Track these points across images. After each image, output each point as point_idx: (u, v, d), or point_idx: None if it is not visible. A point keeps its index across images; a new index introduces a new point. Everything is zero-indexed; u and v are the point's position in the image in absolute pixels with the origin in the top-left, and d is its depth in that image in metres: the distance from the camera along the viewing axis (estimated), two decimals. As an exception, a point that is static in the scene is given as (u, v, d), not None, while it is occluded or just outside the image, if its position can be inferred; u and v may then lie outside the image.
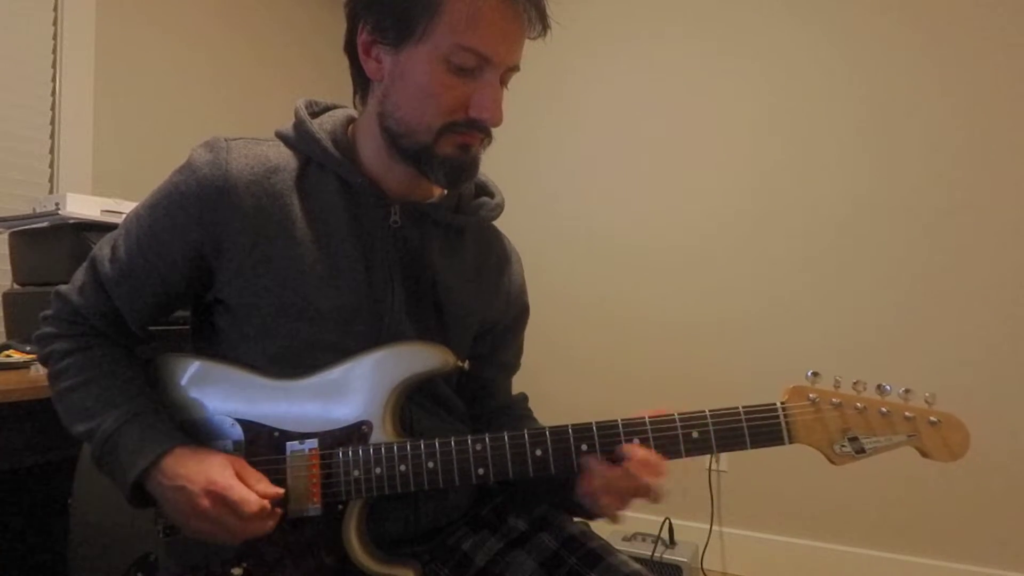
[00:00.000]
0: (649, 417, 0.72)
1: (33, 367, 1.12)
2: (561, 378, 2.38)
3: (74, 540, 0.81)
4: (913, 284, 1.91)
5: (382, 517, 0.77)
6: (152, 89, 1.98)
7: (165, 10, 2.01)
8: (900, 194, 1.93)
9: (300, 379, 0.76)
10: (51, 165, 1.74)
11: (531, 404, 0.98)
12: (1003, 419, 1.78)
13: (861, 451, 0.70)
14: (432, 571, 0.81)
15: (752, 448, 0.71)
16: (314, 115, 0.83)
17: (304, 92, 0.98)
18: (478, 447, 0.73)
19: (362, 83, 0.80)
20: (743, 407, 0.72)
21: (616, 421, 0.73)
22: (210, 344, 0.82)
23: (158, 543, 0.76)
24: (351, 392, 0.75)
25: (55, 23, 1.75)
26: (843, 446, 0.71)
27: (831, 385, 0.72)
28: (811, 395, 0.72)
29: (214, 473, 0.69)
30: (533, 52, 0.77)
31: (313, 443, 0.74)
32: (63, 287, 0.81)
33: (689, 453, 0.72)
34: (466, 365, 0.83)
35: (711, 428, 0.71)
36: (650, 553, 1.91)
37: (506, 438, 0.73)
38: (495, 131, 0.77)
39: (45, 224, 1.31)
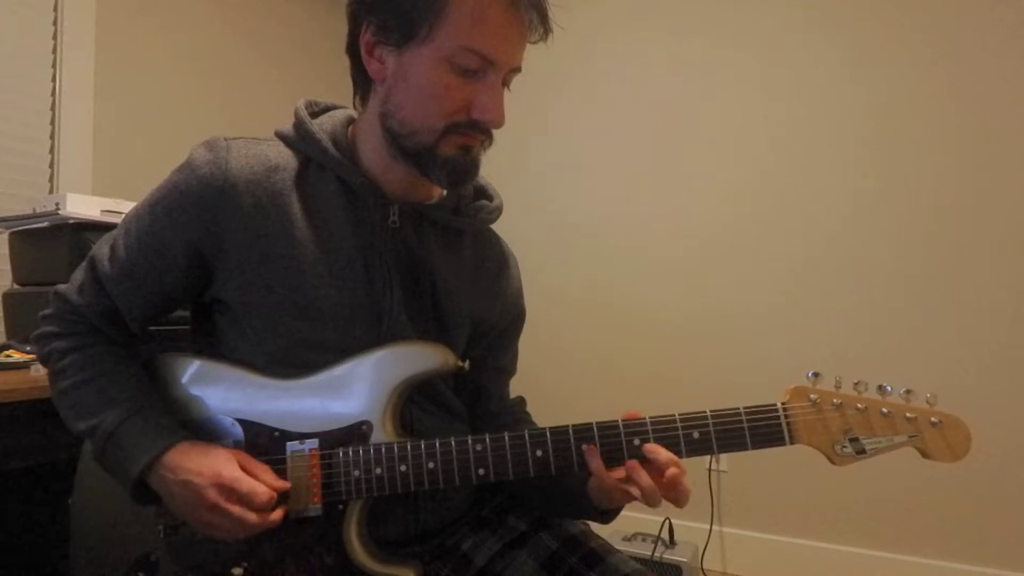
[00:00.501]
0: (650, 418, 0.72)
1: (33, 367, 1.12)
2: (560, 379, 2.38)
3: (75, 540, 0.81)
4: (914, 284, 1.91)
5: (382, 517, 0.77)
6: (152, 89, 1.98)
7: (165, 10, 2.01)
8: (901, 194, 1.93)
9: (300, 379, 0.76)
10: (51, 165, 1.74)
11: (530, 405, 0.98)
12: (1004, 419, 1.78)
13: (862, 452, 0.70)
14: (432, 571, 0.81)
15: (753, 449, 0.71)
16: (314, 115, 0.83)
17: (304, 92, 0.98)
18: (478, 447, 0.73)
19: (363, 83, 0.80)
20: (744, 407, 0.72)
21: (617, 421, 0.73)
22: (209, 344, 0.82)
23: (159, 543, 0.76)
24: (351, 392, 0.75)
25: (55, 23, 1.75)
26: (844, 447, 0.70)
27: (832, 386, 0.72)
28: (812, 395, 0.72)
29: (220, 466, 0.69)
30: (531, 52, 0.77)
31: (313, 443, 0.74)
32: (62, 286, 0.81)
33: (690, 454, 0.72)
34: (466, 365, 0.83)
35: (712, 429, 0.71)
36: (650, 553, 1.91)
37: (507, 438, 0.73)
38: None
39: (45, 224, 1.31)
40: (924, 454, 0.71)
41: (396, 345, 0.77)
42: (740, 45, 2.15)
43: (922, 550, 1.88)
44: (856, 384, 0.71)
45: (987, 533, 1.81)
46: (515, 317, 0.95)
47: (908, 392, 0.70)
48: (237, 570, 0.73)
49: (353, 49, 0.78)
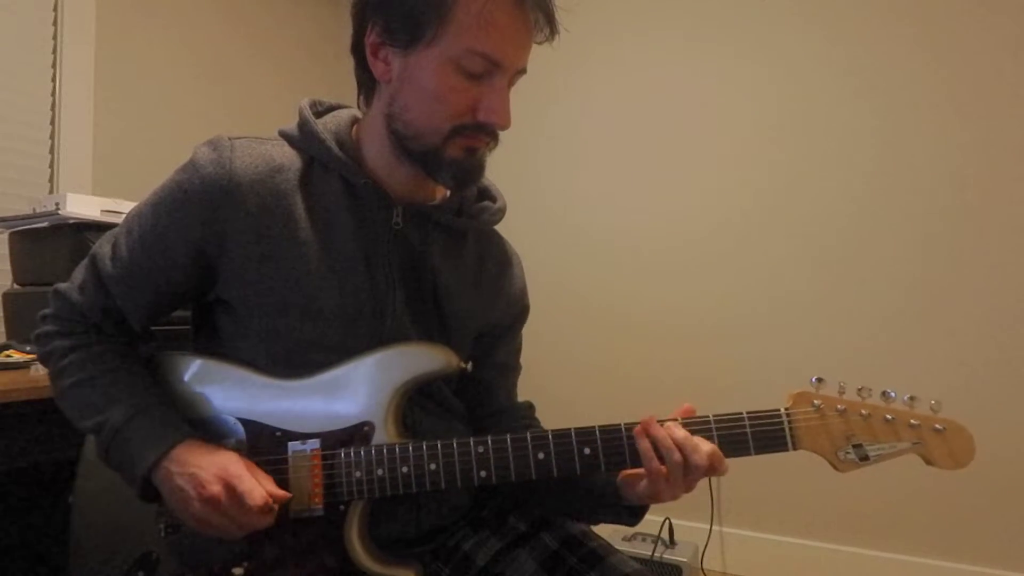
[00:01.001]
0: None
1: (33, 367, 1.11)
2: (563, 381, 2.38)
3: (75, 539, 0.81)
4: (917, 287, 1.90)
5: (384, 518, 0.77)
6: (152, 89, 1.97)
7: (165, 10, 2.01)
8: (904, 196, 1.92)
9: (302, 379, 0.76)
10: (51, 165, 1.74)
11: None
12: (1005, 420, 1.78)
13: (865, 458, 0.70)
14: (433, 571, 0.81)
15: (756, 454, 0.71)
16: (318, 115, 0.83)
17: (305, 92, 0.98)
18: (480, 449, 0.73)
19: (368, 84, 0.80)
20: (747, 412, 0.72)
21: (619, 425, 0.73)
22: (211, 343, 0.82)
23: (159, 541, 0.76)
24: (353, 392, 0.75)
25: (55, 23, 1.74)
26: (847, 453, 0.70)
27: (835, 391, 0.71)
28: (815, 401, 0.71)
29: (227, 462, 0.69)
30: (532, 52, 0.76)
31: (315, 443, 0.74)
32: (62, 285, 0.81)
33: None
34: (469, 367, 0.83)
35: (715, 434, 0.71)
36: (650, 553, 1.91)
37: (508, 440, 0.73)
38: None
39: (45, 224, 1.31)
40: (927, 461, 0.71)
41: (399, 346, 0.77)
42: (742, 47, 2.15)
43: (922, 550, 1.88)
44: (860, 390, 0.71)
45: (987, 533, 1.81)
46: (518, 313, 0.95)
47: (912, 398, 0.70)
48: (237, 570, 0.73)
49: (358, 49, 0.78)
